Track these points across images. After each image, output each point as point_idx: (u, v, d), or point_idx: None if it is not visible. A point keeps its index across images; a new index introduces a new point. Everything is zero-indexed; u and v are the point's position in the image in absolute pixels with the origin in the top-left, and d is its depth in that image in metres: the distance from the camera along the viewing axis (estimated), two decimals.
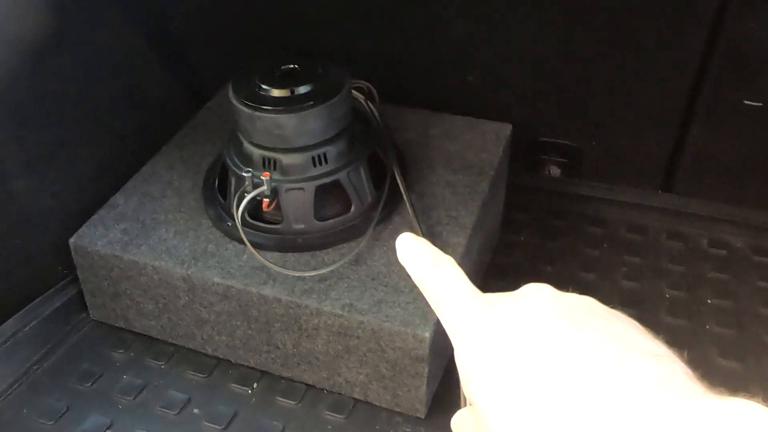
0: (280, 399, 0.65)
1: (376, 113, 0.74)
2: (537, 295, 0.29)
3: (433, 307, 0.32)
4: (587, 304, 0.29)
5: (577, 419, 0.23)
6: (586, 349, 0.25)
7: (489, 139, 0.77)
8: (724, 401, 0.23)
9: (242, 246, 0.65)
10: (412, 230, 0.66)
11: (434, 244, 0.67)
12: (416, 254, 0.34)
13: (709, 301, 0.75)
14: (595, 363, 0.24)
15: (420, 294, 0.61)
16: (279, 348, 0.64)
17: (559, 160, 0.88)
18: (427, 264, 0.33)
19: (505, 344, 0.27)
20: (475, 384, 0.27)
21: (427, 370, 0.59)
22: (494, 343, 0.27)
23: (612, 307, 0.32)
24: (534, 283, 0.31)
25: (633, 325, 0.28)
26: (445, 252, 0.68)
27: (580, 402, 0.24)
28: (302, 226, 0.65)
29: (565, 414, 0.24)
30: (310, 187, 0.64)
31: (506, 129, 0.79)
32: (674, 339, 0.77)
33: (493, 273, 0.78)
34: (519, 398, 0.25)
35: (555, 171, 0.89)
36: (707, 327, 0.72)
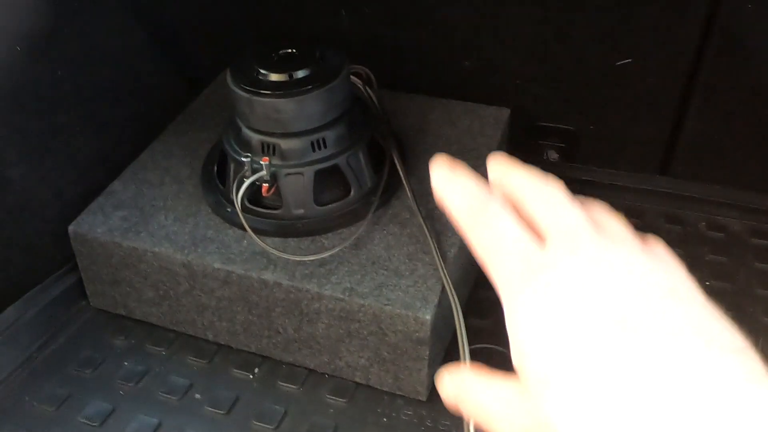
0: (281, 383, 0.65)
1: (375, 98, 0.74)
2: (613, 261, 0.25)
3: (480, 259, 0.28)
4: (669, 281, 0.25)
5: (651, 417, 0.21)
6: (664, 340, 0.23)
7: (487, 124, 0.77)
8: None
9: (242, 231, 0.65)
10: (412, 214, 0.66)
11: (434, 228, 0.67)
12: (458, 192, 0.29)
13: (707, 283, 0.75)
14: (673, 357, 0.22)
15: (420, 277, 0.62)
16: (280, 333, 0.65)
17: (557, 144, 0.88)
18: (472, 207, 0.28)
19: (571, 319, 0.24)
20: (532, 359, 0.24)
21: (428, 352, 0.59)
22: (559, 316, 0.24)
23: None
24: (613, 225, 0.27)
25: (713, 311, 0.25)
26: (445, 236, 0.68)
27: (655, 399, 0.22)
28: (302, 211, 0.65)
29: (639, 410, 0.22)
30: (310, 171, 0.64)
31: (504, 113, 0.79)
32: None
33: None
34: (584, 383, 0.23)
35: (553, 155, 0.89)
36: None
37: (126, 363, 0.67)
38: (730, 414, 0.21)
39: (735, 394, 0.22)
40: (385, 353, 0.61)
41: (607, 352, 0.23)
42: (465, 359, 0.57)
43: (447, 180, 0.29)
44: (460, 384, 0.29)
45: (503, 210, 0.28)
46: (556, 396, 0.23)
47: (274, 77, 0.63)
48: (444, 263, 0.60)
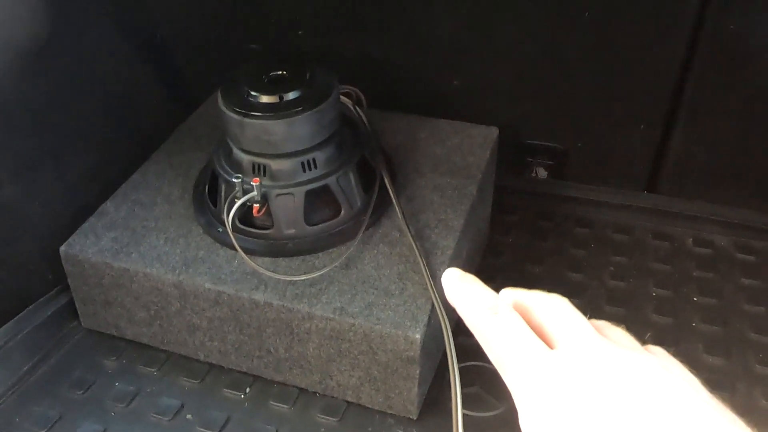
0: (272, 403, 0.65)
1: (364, 118, 0.75)
2: (618, 361, 0.26)
3: (492, 360, 0.30)
4: (671, 378, 0.26)
5: None
6: None
7: (476, 143, 0.78)
8: None
9: (233, 252, 0.65)
10: (402, 233, 0.67)
11: (424, 247, 0.68)
12: (469, 298, 0.31)
13: (694, 298, 0.76)
14: None
15: (410, 296, 0.62)
16: (271, 352, 0.65)
17: (546, 162, 0.89)
18: (483, 311, 0.30)
19: (582, 419, 0.25)
20: None
21: (418, 371, 0.60)
22: (566, 417, 0.25)
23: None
24: (614, 348, 0.27)
25: (717, 405, 0.26)
26: (434, 255, 0.68)
27: None
28: (292, 231, 0.66)
29: None
30: (300, 192, 0.65)
31: (493, 132, 0.80)
32: (661, 337, 0.78)
33: (483, 275, 0.79)
34: None
35: (541, 173, 0.90)
36: (693, 324, 0.73)
37: (117, 383, 0.67)
38: None
39: None
40: (376, 372, 0.61)
41: None
42: (455, 378, 0.57)
43: (459, 287, 0.31)
44: None
45: (514, 314, 0.29)
46: None
47: (264, 99, 0.63)
48: (433, 282, 0.60)
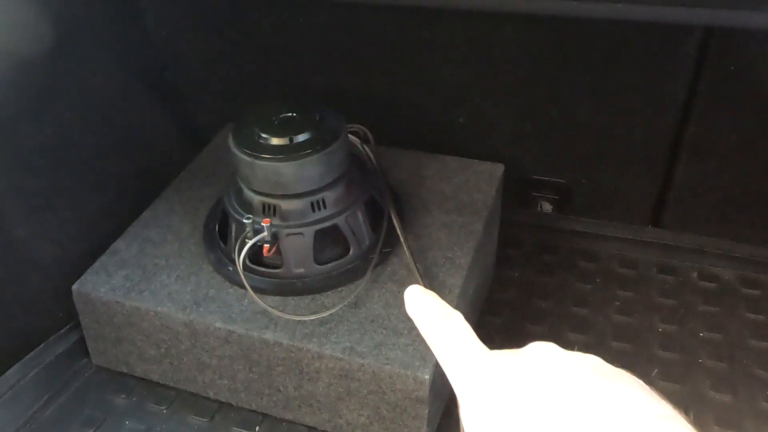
0: None
1: (372, 156, 0.76)
2: (542, 355, 0.29)
3: (440, 362, 0.32)
4: (591, 362, 0.29)
5: None
6: (591, 411, 0.26)
7: (482, 179, 0.79)
8: None
9: (243, 290, 0.66)
10: (410, 272, 0.67)
11: (431, 285, 0.69)
12: (425, 308, 0.34)
13: (700, 334, 0.76)
14: (600, 426, 0.25)
15: (419, 336, 0.63)
16: (280, 391, 0.65)
17: (551, 196, 0.90)
18: (436, 319, 0.33)
19: (511, 406, 0.27)
20: None
21: (427, 411, 0.60)
22: (500, 404, 0.28)
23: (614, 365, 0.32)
24: (539, 342, 0.31)
25: (637, 383, 0.28)
26: (442, 294, 0.69)
27: None
28: (302, 270, 0.66)
29: None
30: (310, 231, 0.66)
31: (498, 169, 0.81)
32: (667, 372, 0.78)
33: (489, 309, 0.80)
34: None
35: (546, 207, 0.91)
36: (699, 360, 0.73)
37: (128, 422, 0.68)
38: None
39: None
40: (385, 411, 0.62)
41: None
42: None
43: (418, 301, 0.35)
44: None
45: (464, 322, 0.33)
46: None
47: (275, 141, 0.65)
48: None
